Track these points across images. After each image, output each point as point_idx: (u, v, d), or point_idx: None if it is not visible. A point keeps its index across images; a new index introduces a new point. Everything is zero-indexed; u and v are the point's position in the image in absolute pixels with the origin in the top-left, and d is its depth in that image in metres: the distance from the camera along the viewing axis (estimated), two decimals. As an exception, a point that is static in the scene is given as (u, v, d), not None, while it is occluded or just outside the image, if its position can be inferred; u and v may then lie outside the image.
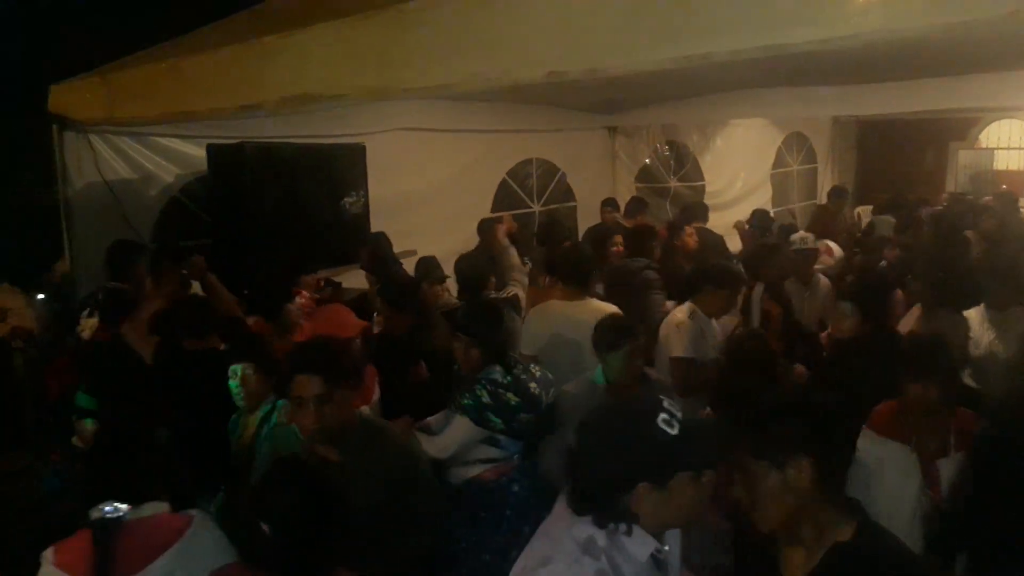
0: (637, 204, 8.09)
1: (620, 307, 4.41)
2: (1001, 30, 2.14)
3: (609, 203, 8.24)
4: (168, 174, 5.82)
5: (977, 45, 4.99)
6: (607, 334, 3.61)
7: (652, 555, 1.84)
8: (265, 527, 2.16)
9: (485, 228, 6.57)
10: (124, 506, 2.28)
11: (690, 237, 6.75)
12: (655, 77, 5.07)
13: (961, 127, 12.11)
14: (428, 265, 5.38)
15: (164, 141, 5.73)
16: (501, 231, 6.35)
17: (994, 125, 12.00)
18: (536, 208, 8.68)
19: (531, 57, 2.79)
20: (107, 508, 2.27)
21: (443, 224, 7.19)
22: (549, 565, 1.80)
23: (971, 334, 4.40)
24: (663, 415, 1.80)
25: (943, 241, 6.31)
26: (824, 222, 8.65)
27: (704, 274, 4.71)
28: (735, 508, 1.97)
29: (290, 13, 4.30)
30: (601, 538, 1.80)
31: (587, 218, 8.76)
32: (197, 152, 5.63)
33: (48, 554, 2.27)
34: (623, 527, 1.81)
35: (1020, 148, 11.91)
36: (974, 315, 4.48)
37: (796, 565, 1.87)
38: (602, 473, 1.81)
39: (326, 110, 5.25)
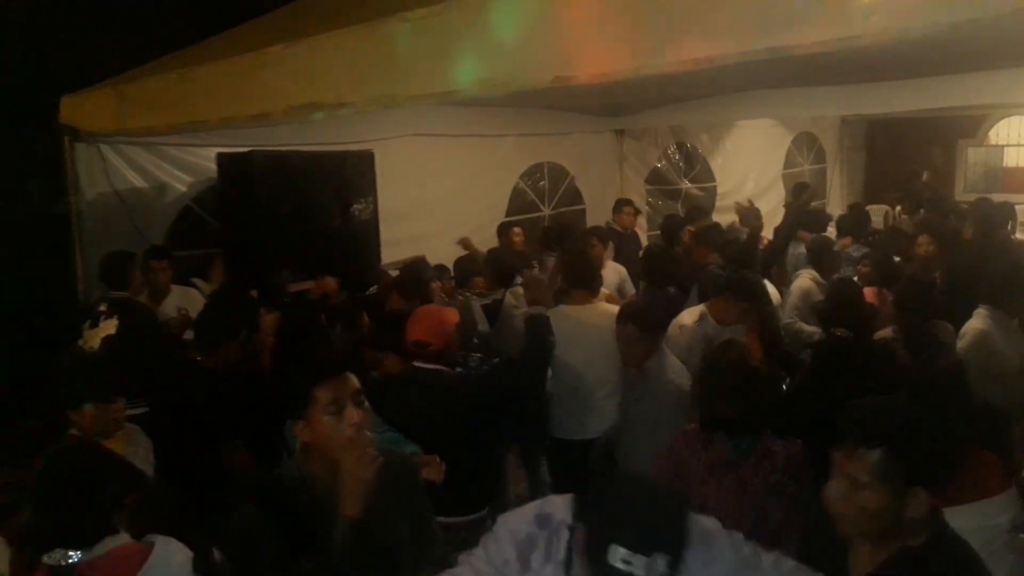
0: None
1: None
2: (1008, 27, 2.13)
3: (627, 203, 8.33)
4: (180, 183, 5.87)
5: (985, 42, 4.96)
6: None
7: None
8: (216, 553, 1.93)
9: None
10: (73, 552, 2.13)
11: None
12: (662, 80, 5.07)
13: (970, 124, 12.05)
14: (418, 268, 5.41)
15: (175, 150, 5.78)
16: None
17: (1003, 122, 11.93)
18: (546, 212, 8.70)
19: (537, 62, 2.79)
20: (56, 555, 2.13)
21: (457, 229, 7.23)
22: None
23: (1000, 347, 4.07)
24: None
25: (984, 240, 5.96)
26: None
27: (728, 281, 4.67)
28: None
29: (297, 23, 4.32)
30: None
31: (596, 221, 8.77)
32: (209, 161, 5.69)
33: None
34: None
35: (1031, 145, 11.83)
36: (991, 326, 4.13)
37: (861, 560, 1.90)
38: None
39: (333, 118, 5.27)
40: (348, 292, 5.42)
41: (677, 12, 2.45)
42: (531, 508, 2.01)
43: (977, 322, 4.18)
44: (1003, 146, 12.09)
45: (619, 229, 7.84)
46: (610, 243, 7.32)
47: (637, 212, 8.44)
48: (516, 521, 2.00)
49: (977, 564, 1.85)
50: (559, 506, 1.95)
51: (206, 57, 4.37)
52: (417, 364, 3.54)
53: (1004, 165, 12.07)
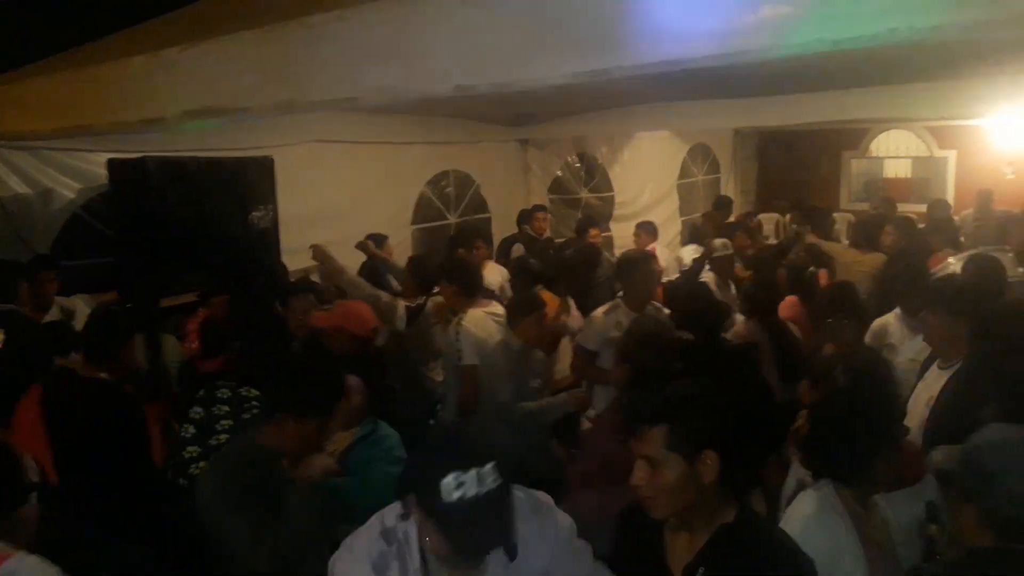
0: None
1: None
2: (883, 46, 2.27)
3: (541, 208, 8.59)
4: (68, 190, 5.59)
5: (865, 60, 5.26)
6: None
7: None
8: None
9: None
10: None
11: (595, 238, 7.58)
12: (562, 91, 5.16)
13: (853, 138, 12.68)
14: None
15: (62, 155, 5.51)
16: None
17: (883, 136, 12.60)
18: (452, 220, 8.70)
19: (438, 71, 2.81)
20: None
21: (361, 237, 7.10)
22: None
23: (891, 340, 4.39)
24: None
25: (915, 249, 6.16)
26: (707, 232, 8.63)
27: (616, 270, 5.03)
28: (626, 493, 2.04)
29: (193, 25, 4.21)
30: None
31: (501, 229, 8.84)
32: (99, 167, 5.44)
33: None
34: None
35: (907, 157, 12.55)
36: (892, 320, 4.49)
37: (682, 547, 1.98)
38: None
39: (231, 124, 5.15)
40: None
41: (574, 25, 2.51)
42: (374, 524, 2.01)
43: (888, 316, 4.60)
44: (883, 158, 12.78)
45: (533, 235, 7.92)
46: (521, 247, 7.56)
47: (548, 217, 8.59)
48: (364, 541, 1.99)
49: (778, 532, 2.05)
50: (394, 511, 1.97)
51: (96, 58, 4.21)
52: None
53: (884, 176, 12.76)
